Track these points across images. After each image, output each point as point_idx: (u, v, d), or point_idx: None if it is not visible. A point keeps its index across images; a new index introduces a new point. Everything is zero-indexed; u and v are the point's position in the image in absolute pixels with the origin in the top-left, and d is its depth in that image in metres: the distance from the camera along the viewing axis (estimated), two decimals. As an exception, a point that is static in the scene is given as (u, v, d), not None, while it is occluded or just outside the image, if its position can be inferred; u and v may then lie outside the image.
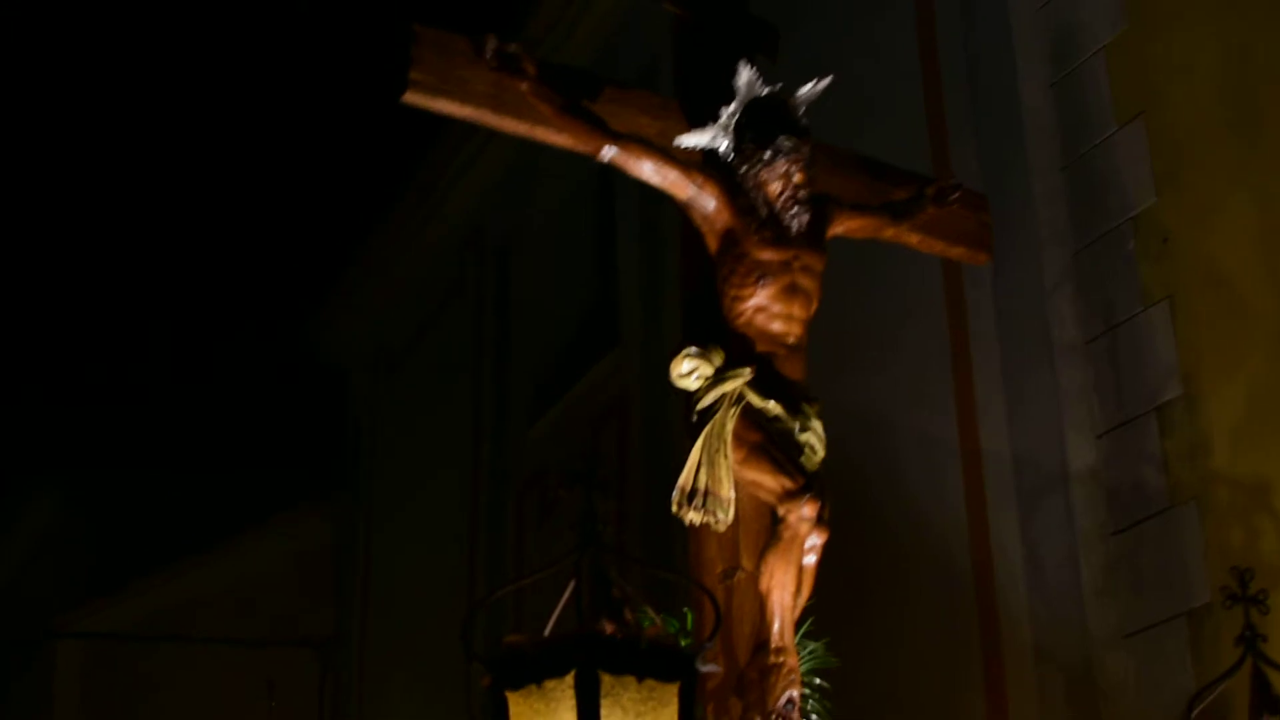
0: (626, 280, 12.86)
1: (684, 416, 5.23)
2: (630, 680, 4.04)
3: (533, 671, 4.09)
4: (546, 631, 4.23)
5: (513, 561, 13.64)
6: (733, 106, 5.49)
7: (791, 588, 4.97)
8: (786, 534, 4.96)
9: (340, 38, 18.80)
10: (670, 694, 4.11)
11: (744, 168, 5.40)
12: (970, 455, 8.28)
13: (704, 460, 5.02)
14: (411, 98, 5.27)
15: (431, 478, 15.50)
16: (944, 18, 9.15)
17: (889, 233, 5.91)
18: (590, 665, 4.02)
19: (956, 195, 6.03)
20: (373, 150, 18.06)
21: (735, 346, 5.24)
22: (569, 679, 4.02)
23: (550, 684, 4.05)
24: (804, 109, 5.55)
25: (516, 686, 4.12)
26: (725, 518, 5.02)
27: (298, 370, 19.33)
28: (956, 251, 6.25)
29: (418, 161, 16.13)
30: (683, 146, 5.53)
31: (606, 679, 4.01)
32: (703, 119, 5.56)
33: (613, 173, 14.49)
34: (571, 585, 4.21)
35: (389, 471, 16.88)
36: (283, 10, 19.36)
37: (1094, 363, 7.70)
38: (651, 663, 4.10)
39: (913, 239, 6.01)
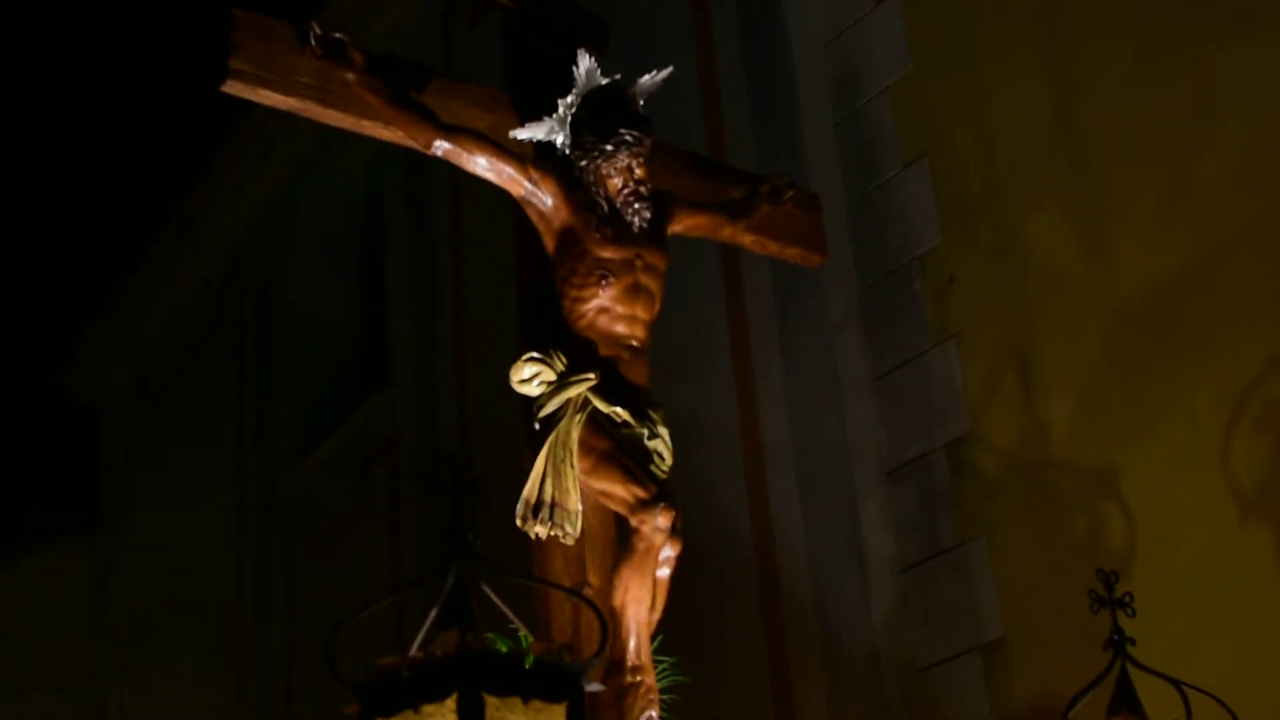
0: (397, 318, 12.71)
1: (524, 424, 5.01)
2: (515, 702, 3.76)
3: (409, 696, 3.78)
4: (413, 651, 3.90)
5: (282, 602, 13.39)
6: (570, 98, 5.27)
7: (647, 602, 4.79)
8: (641, 546, 4.77)
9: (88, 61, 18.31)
10: (558, 715, 3.84)
11: (583, 161, 5.17)
12: (757, 493, 8.28)
13: (549, 470, 4.80)
14: (232, 87, 4.99)
15: (195, 517, 15.13)
16: (725, 52, 9.18)
17: (725, 232, 5.72)
18: (473, 687, 3.73)
19: (791, 194, 5.89)
20: (130, 186, 17.65)
21: (577, 350, 5.02)
22: (450, 703, 3.73)
23: (429, 709, 3.75)
24: (643, 101, 5.36)
25: (390, 713, 3.80)
26: (573, 531, 4.80)
27: (51, 408, 18.76)
28: (791, 252, 6.04)
29: (176, 197, 15.84)
30: (517, 140, 5.29)
31: (491, 701, 3.73)
32: (535, 112, 5.34)
33: (381, 204, 14.31)
34: (441, 599, 3.91)
35: (149, 512, 16.45)
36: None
37: (882, 400, 7.75)
38: (537, 682, 3.81)
39: (747, 239, 5.84)
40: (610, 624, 4.71)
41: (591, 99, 5.25)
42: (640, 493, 4.79)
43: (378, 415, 12.71)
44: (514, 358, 4.97)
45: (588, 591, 4.85)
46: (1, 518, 18.33)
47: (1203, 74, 6.72)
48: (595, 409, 4.92)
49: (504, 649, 4.21)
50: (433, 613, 3.92)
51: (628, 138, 5.14)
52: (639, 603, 4.76)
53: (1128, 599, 5.18)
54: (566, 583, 4.86)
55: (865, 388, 7.83)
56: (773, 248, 5.98)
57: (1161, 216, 6.78)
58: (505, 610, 3.99)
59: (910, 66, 7.95)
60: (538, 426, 4.91)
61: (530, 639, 4.15)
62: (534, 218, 5.23)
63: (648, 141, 5.19)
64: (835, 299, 8.10)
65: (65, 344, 17.90)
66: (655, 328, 5.18)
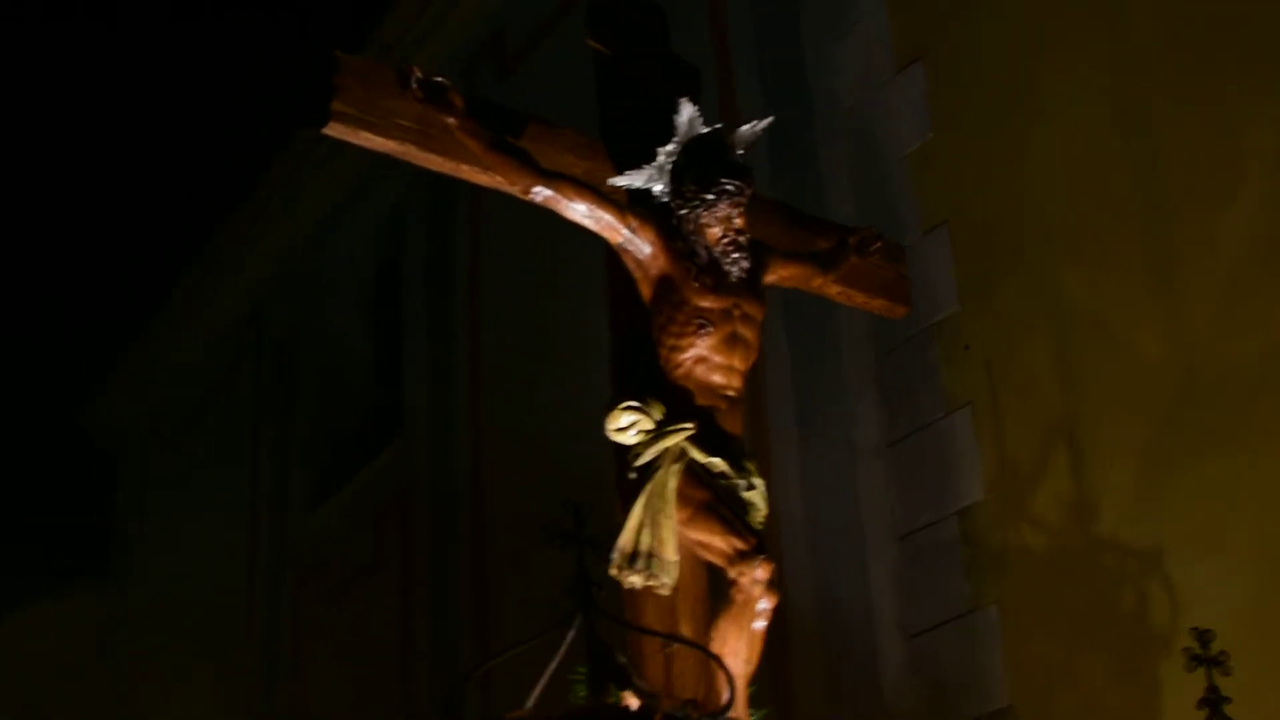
0: (413, 370, 12.75)
1: (616, 473, 4.95)
2: None
3: None
4: (529, 704, 3.87)
5: (292, 651, 13.40)
6: (670, 146, 5.20)
7: (744, 655, 4.71)
8: (739, 598, 4.70)
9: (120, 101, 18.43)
10: None
11: (683, 210, 5.12)
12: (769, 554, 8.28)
13: (646, 520, 4.74)
14: (334, 129, 4.99)
15: (208, 564, 15.16)
16: (747, 116, 9.17)
17: (816, 283, 5.71)
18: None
19: (878, 245, 5.87)
20: (153, 231, 17.75)
21: (673, 399, 4.96)
22: None
23: None
24: (743, 150, 5.30)
25: None
26: (670, 581, 4.74)
27: (67, 449, 18.80)
28: (877, 304, 6.03)
29: (199, 243, 15.93)
30: (615, 187, 5.23)
31: None
32: (629, 159, 5.28)
33: (401, 256, 14.34)
34: (561, 652, 3.85)
35: (161, 556, 16.47)
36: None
37: (896, 466, 7.77)
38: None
39: (834, 290, 5.82)
40: (702, 677, 4.70)
41: (692, 147, 5.19)
42: (740, 544, 4.73)
43: (392, 466, 12.73)
44: (608, 405, 4.92)
45: (678, 645, 4.77)
46: (15, 559, 18.38)
47: (1224, 140, 6.77)
48: (692, 459, 4.86)
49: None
50: (552, 664, 3.88)
51: (729, 187, 5.09)
52: (736, 656, 4.70)
53: (1222, 657, 5.13)
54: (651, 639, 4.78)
55: (879, 453, 7.86)
56: (859, 299, 5.99)
57: (1180, 285, 6.81)
58: (625, 662, 3.89)
59: (931, 135, 7.99)
60: (633, 475, 4.86)
61: (655, 694, 4.11)
62: (630, 265, 5.20)
63: (748, 191, 5.15)
64: (851, 364, 8.13)
65: (85, 386, 17.98)
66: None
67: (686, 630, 4.82)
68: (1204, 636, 5.17)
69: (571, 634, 3.82)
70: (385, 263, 13.97)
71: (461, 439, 11.74)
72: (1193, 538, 6.50)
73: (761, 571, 4.68)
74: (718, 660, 4.38)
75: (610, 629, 3.92)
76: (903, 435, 7.77)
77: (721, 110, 9.36)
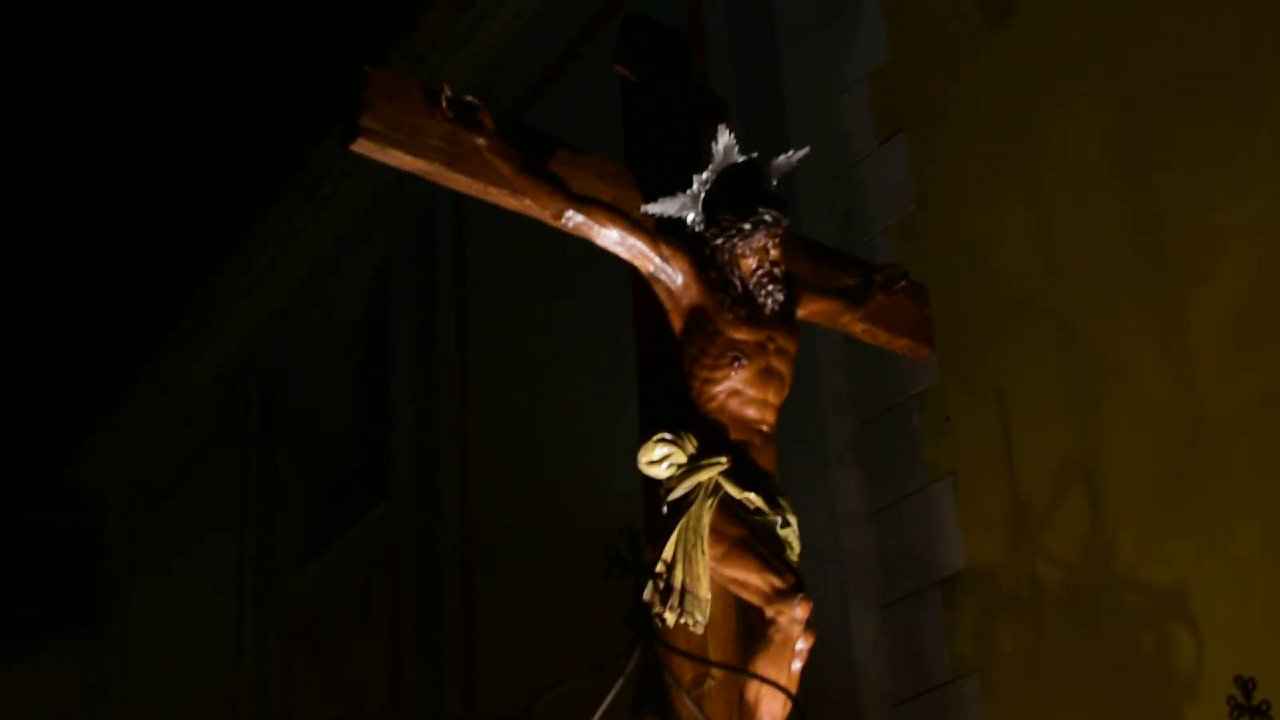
0: (400, 428, 12.78)
1: (646, 508, 4.88)
2: None
3: None
4: None
5: (279, 710, 13.40)
6: (705, 174, 5.08)
7: (781, 696, 4.57)
8: (778, 638, 4.57)
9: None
10: None
11: (719, 240, 4.99)
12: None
13: (679, 556, 4.59)
14: (362, 146, 4.85)
15: (194, 622, 15.16)
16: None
17: (844, 319, 5.61)
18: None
19: (903, 283, 5.79)
20: (140, 287, 17.79)
21: (707, 433, 4.84)
22: None
23: None
24: (777, 181, 5.20)
25: None
26: (703, 619, 4.57)
27: (53, 506, 18.79)
28: (901, 343, 5.94)
29: (186, 300, 15.96)
30: (648, 214, 5.12)
31: None
32: (656, 187, 5.18)
33: (387, 314, 14.25)
34: (620, 681, 3.78)
35: (147, 614, 16.47)
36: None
37: (878, 535, 7.82)
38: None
39: (859, 328, 5.73)
40: (744, 717, 4.59)
41: (727, 176, 5.08)
42: (778, 582, 4.61)
43: (379, 525, 12.75)
44: (640, 439, 4.81)
45: (710, 684, 4.67)
46: (1, 617, 18.36)
47: (1198, 219, 6.85)
48: (727, 494, 4.74)
49: None
50: (611, 693, 3.81)
51: (766, 217, 4.99)
52: (774, 695, 4.58)
53: (1265, 707, 5.07)
54: (689, 673, 4.61)
55: (861, 523, 7.91)
56: (883, 338, 5.88)
57: (1153, 365, 6.89)
58: (687, 699, 3.81)
59: (913, 206, 8.07)
60: (665, 510, 4.74)
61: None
62: (661, 295, 5.09)
63: (785, 222, 5.06)
64: (833, 432, 8.18)
65: (71, 442, 17.97)
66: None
67: (717, 670, 4.68)
68: (1247, 685, 5.09)
69: (632, 665, 3.74)
70: (373, 319, 14.01)
71: (449, 498, 11.76)
72: (1178, 603, 6.54)
73: (801, 610, 4.57)
74: (790, 695, 4.24)
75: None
76: (885, 504, 7.83)
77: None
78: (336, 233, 13.91)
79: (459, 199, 12.31)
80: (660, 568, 4.58)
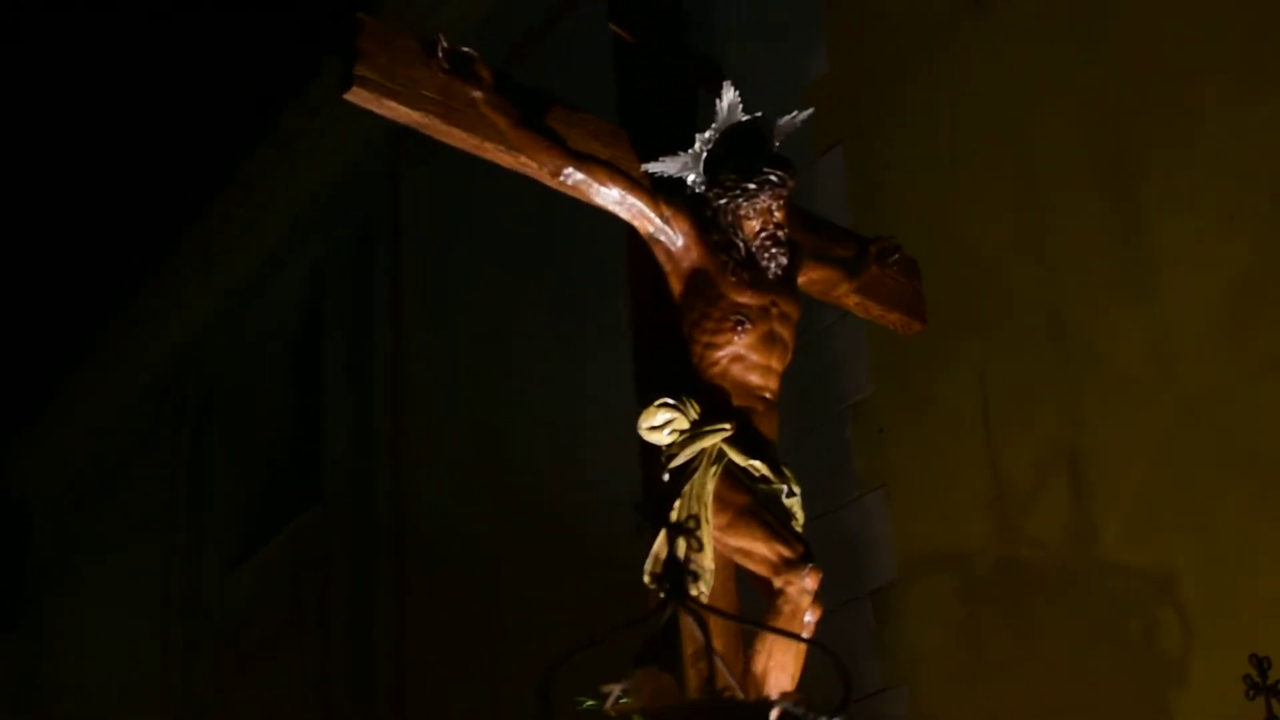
0: (333, 434, 12.76)
1: (643, 475, 4.72)
2: None
3: None
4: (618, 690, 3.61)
5: (212, 712, 13.35)
6: (707, 134, 4.91)
7: (790, 670, 4.39)
8: (786, 609, 4.37)
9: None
10: None
11: (722, 200, 4.80)
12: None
13: (682, 525, 4.33)
14: (356, 95, 4.63)
15: (122, 622, 15.08)
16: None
17: (840, 289, 5.39)
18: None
19: (897, 256, 5.60)
20: (75, 287, 17.67)
21: (708, 399, 4.63)
22: None
23: None
24: (779, 142, 5.03)
25: None
26: (706, 590, 4.29)
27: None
28: (893, 317, 5.75)
29: (121, 303, 15.88)
30: (647, 174, 4.92)
31: None
32: (652, 147, 4.98)
33: (321, 321, 14.12)
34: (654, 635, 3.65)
35: (75, 614, 16.37)
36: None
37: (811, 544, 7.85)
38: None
39: (853, 300, 5.52)
40: (751, 692, 4.36)
41: (730, 136, 4.93)
42: (786, 552, 4.42)
43: (310, 530, 12.75)
44: (641, 405, 4.63)
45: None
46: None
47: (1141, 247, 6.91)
48: (731, 461, 4.55)
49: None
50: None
51: (772, 177, 4.80)
52: (782, 669, 4.40)
53: None
54: (690, 646, 4.25)
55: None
56: (875, 311, 5.70)
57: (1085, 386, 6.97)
58: (718, 658, 3.66)
59: (849, 218, 8.09)
60: (666, 478, 4.55)
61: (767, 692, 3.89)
62: (661, 257, 4.89)
63: (791, 182, 4.86)
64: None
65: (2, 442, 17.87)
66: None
67: (719, 644, 4.25)
68: (1262, 664, 5.04)
69: (666, 617, 3.52)
70: (308, 322, 13.98)
71: (382, 500, 11.75)
72: (1102, 615, 6.62)
73: (811, 580, 4.39)
74: (835, 657, 3.82)
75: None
76: (817, 514, 7.84)
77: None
78: (272, 236, 13.88)
79: (395, 201, 12.46)
80: (691, 524, 4.31)
